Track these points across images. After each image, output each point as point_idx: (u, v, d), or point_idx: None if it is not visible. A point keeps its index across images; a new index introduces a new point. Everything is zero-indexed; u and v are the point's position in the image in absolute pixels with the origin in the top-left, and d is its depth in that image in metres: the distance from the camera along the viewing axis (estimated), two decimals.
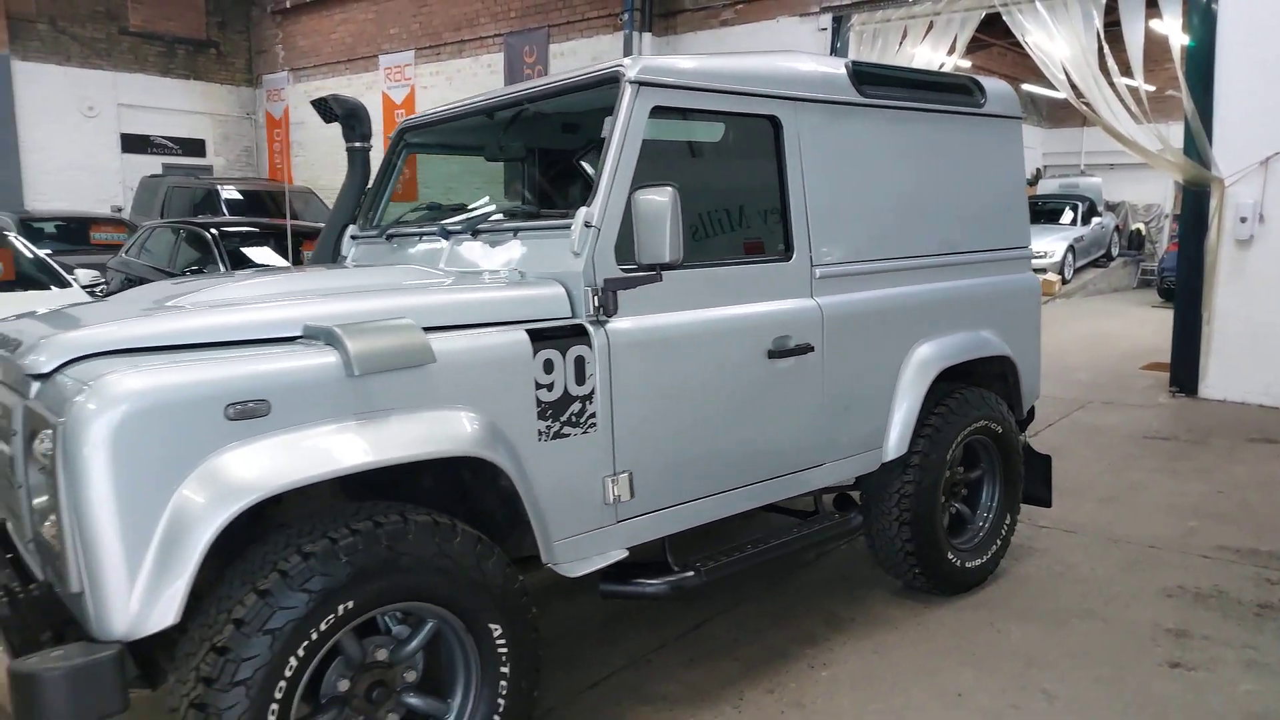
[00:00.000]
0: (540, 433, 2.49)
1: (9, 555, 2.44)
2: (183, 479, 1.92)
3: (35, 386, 2.07)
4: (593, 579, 2.74)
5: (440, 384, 2.29)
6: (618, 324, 2.66)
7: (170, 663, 2.05)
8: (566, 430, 2.54)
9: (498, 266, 2.91)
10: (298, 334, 2.28)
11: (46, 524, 1.91)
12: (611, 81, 2.80)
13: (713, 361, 2.89)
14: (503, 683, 2.32)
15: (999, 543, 3.98)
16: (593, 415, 2.59)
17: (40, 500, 1.98)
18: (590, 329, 2.60)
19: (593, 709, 3.00)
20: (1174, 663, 3.29)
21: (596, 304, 2.62)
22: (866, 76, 3.43)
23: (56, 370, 2.05)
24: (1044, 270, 14.97)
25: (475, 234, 3.08)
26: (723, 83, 2.95)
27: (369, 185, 3.94)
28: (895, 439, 3.50)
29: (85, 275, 7.81)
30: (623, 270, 2.67)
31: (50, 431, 1.85)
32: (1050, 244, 15.83)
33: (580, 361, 2.56)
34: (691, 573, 2.85)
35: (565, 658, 3.31)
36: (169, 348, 2.14)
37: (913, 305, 3.55)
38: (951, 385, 3.75)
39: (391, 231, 3.54)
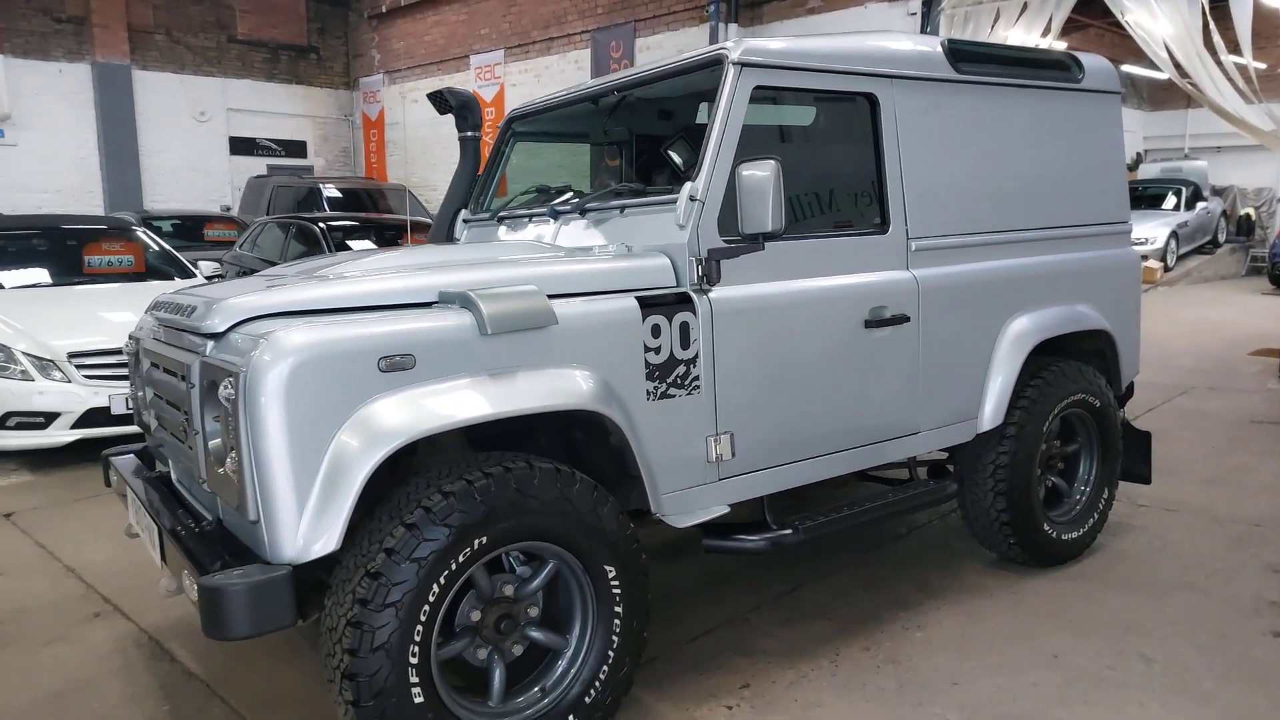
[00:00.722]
0: (649, 393, 2.66)
1: (179, 502, 2.74)
2: (343, 423, 2.16)
3: (210, 345, 2.34)
4: (695, 537, 2.90)
5: (561, 345, 2.48)
6: (720, 292, 2.82)
7: (319, 597, 2.30)
8: (672, 391, 2.71)
9: (605, 242, 3.09)
10: (433, 300, 2.51)
11: (227, 461, 2.17)
12: (715, 64, 2.96)
13: (811, 329, 3.02)
14: (616, 621, 2.50)
15: (1096, 517, 4.00)
16: (696, 378, 2.75)
17: (216, 443, 2.24)
18: (694, 297, 2.76)
19: (695, 659, 3.17)
20: (1277, 632, 3.28)
21: (700, 273, 2.78)
22: (962, 54, 3.50)
23: (229, 331, 2.32)
24: (1145, 257, 14.53)
25: (583, 213, 3.27)
26: (821, 62, 3.07)
27: (479, 172, 4.18)
28: (990, 410, 3.56)
29: (207, 267, 8.34)
30: (725, 241, 2.82)
31: (232, 379, 2.11)
32: (1151, 230, 15.36)
33: (685, 327, 2.72)
34: (789, 530, 2.99)
35: (668, 614, 3.48)
36: (324, 311, 2.39)
37: (1008, 278, 3.60)
38: (1048, 359, 3.79)
39: (503, 214, 3.76)
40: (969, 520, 3.79)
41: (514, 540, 2.33)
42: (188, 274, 7.62)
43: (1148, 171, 19.04)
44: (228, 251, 10.80)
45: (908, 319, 3.25)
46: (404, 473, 2.48)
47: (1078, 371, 3.84)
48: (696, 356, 2.75)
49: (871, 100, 3.23)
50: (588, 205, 3.26)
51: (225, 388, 2.12)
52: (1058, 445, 3.93)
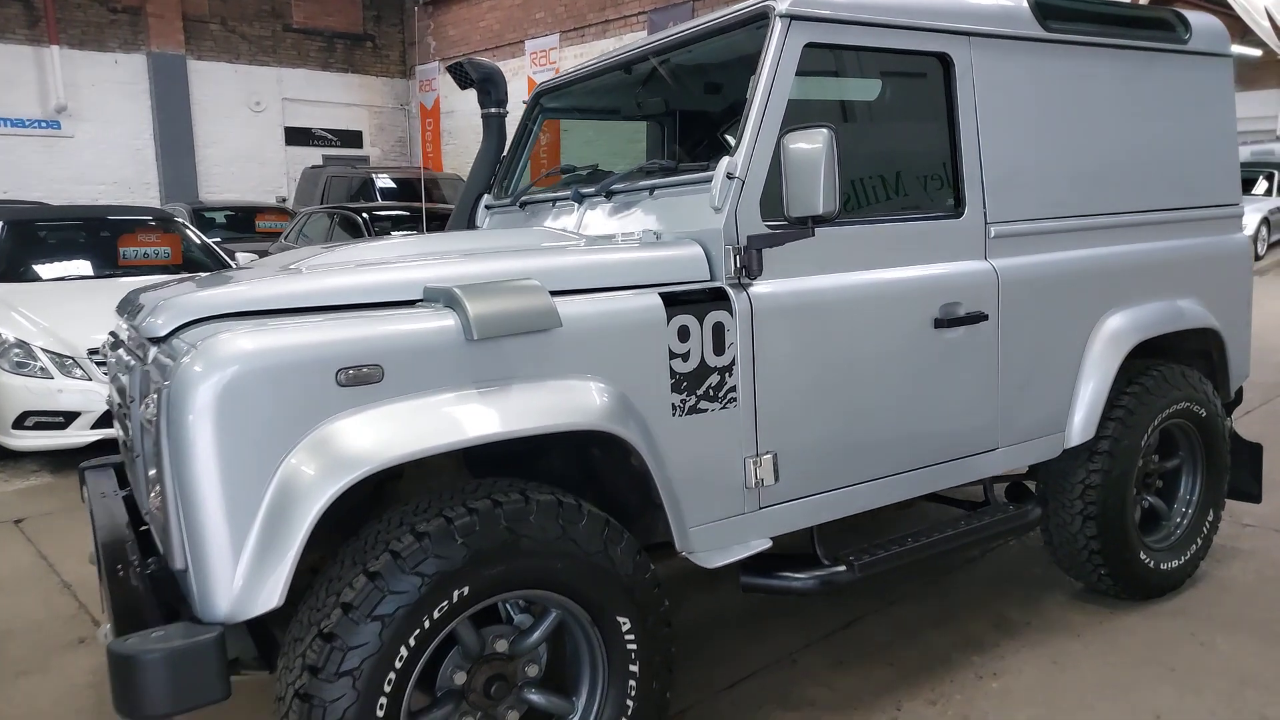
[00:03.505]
0: (675, 407, 2.25)
1: (142, 528, 2.41)
2: (291, 448, 1.78)
3: (153, 351, 1.99)
4: (733, 570, 2.48)
5: (566, 351, 2.08)
6: (762, 287, 2.39)
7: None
8: (704, 405, 2.29)
9: (634, 229, 2.68)
10: (418, 297, 2.13)
11: (153, 495, 1.82)
12: (760, 19, 2.52)
13: (871, 330, 2.57)
14: (631, 682, 2.09)
15: (1199, 542, 3.47)
16: (733, 389, 2.33)
17: (153, 471, 1.89)
18: (731, 292, 2.34)
19: (732, 711, 2.75)
20: None
21: (738, 264, 2.35)
22: (1051, 10, 3.00)
23: (174, 333, 1.96)
24: None
25: (610, 195, 2.86)
26: (885, 15, 2.61)
27: (504, 153, 3.80)
28: (1080, 422, 3.07)
29: (244, 259, 8.13)
30: (768, 226, 2.39)
31: (156, 394, 1.75)
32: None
33: (719, 329, 2.30)
34: (843, 567, 2.55)
35: (702, 653, 3.07)
36: (288, 311, 2.02)
37: (1102, 269, 3.10)
38: (1147, 361, 3.28)
39: (525, 198, 3.38)
40: (1053, 546, 3.30)
41: (505, 590, 1.94)
42: (225, 267, 7.41)
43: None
44: (274, 242, 10.65)
45: (985, 317, 2.78)
46: (389, 499, 2.11)
47: (1181, 376, 3.32)
48: (733, 363, 2.33)
49: (945, 61, 2.76)
50: (613, 187, 2.85)
51: (147, 406, 1.76)
52: (1156, 460, 3.41)
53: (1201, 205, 3.44)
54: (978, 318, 2.76)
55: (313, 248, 2.80)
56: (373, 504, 2.20)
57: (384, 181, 14.05)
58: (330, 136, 18.37)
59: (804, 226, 2.29)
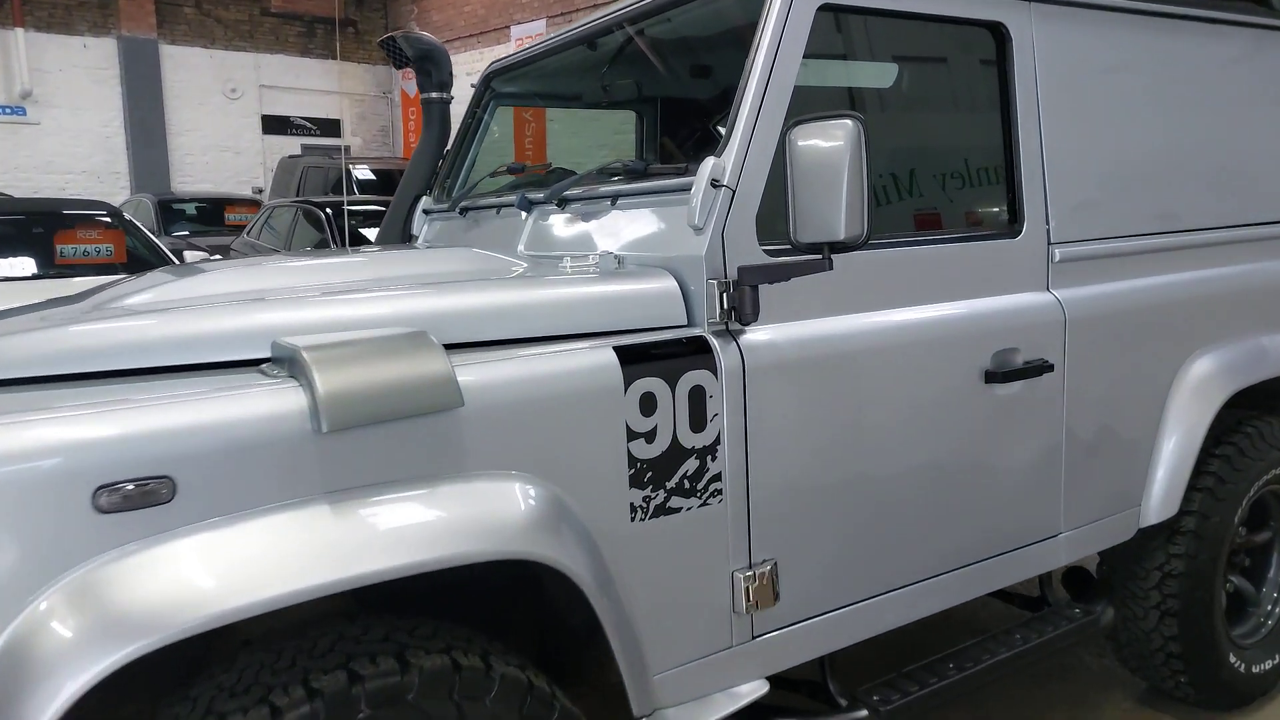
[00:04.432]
0: (635, 508, 1.59)
1: None
2: (15, 615, 1.13)
3: None
4: None
5: (474, 438, 1.42)
6: (758, 335, 1.74)
7: None
8: (676, 502, 1.63)
9: (594, 248, 2.03)
10: (264, 355, 1.47)
11: None
12: None
13: (904, 389, 1.92)
14: None
15: None
16: (717, 478, 1.67)
17: None
18: (716, 344, 1.68)
19: None
20: None
21: (726, 305, 1.70)
22: None
23: None
24: None
25: (562, 204, 2.20)
26: None
27: (448, 147, 3.14)
28: (1161, 494, 2.42)
29: (193, 257, 7.44)
30: (768, 253, 1.74)
31: None
32: None
33: (699, 395, 1.64)
34: (865, 711, 1.90)
35: None
36: (68, 377, 1.38)
37: (1190, 299, 2.45)
38: (1238, 413, 2.63)
39: (465, 204, 2.72)
40: (1120, 644, 2.65)
41: None
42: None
43: None
44: (236, 238, 9.97)
45: (1050, 367, 2.13)
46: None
47: (1278, 432, 2.67)
48: (718, 442, 1.67)
49: (999, 34, 2.11)
50: (565, 194, 2.18)
51: None
52: (1243, 534, 2.76)
53: None
54: (1040, 368, 2.11)
55: (151, 276, 2.13)
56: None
57: (363, 173, 13.32)
58: (309, 125, 17.61)
59: (818, 255, 1.63)
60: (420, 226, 3.01)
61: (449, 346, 1.47)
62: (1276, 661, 2.75)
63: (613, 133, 3.66)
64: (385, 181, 13.31)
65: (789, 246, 1.66)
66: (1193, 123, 2.48)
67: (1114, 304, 2.27)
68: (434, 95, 3.11)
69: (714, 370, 1.66)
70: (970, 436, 2.04)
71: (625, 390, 1.55)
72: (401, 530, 1.33)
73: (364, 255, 2.38)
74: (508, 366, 1.47)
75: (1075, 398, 2.20)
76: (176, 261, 6.86)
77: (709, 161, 1.73)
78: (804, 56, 1.82)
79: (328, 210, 8.21)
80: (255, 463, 1.26)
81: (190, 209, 12.72)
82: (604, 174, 2.14)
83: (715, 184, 1.71)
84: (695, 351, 1.66)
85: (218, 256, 8.59)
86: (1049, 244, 2.17)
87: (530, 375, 1.48)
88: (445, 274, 1.90)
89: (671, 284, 1.74)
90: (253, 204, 12.72)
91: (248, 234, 9.66)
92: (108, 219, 7.04)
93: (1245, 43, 2.58)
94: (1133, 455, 2.39)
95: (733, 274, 1.71)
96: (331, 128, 17.85)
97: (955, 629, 2.30)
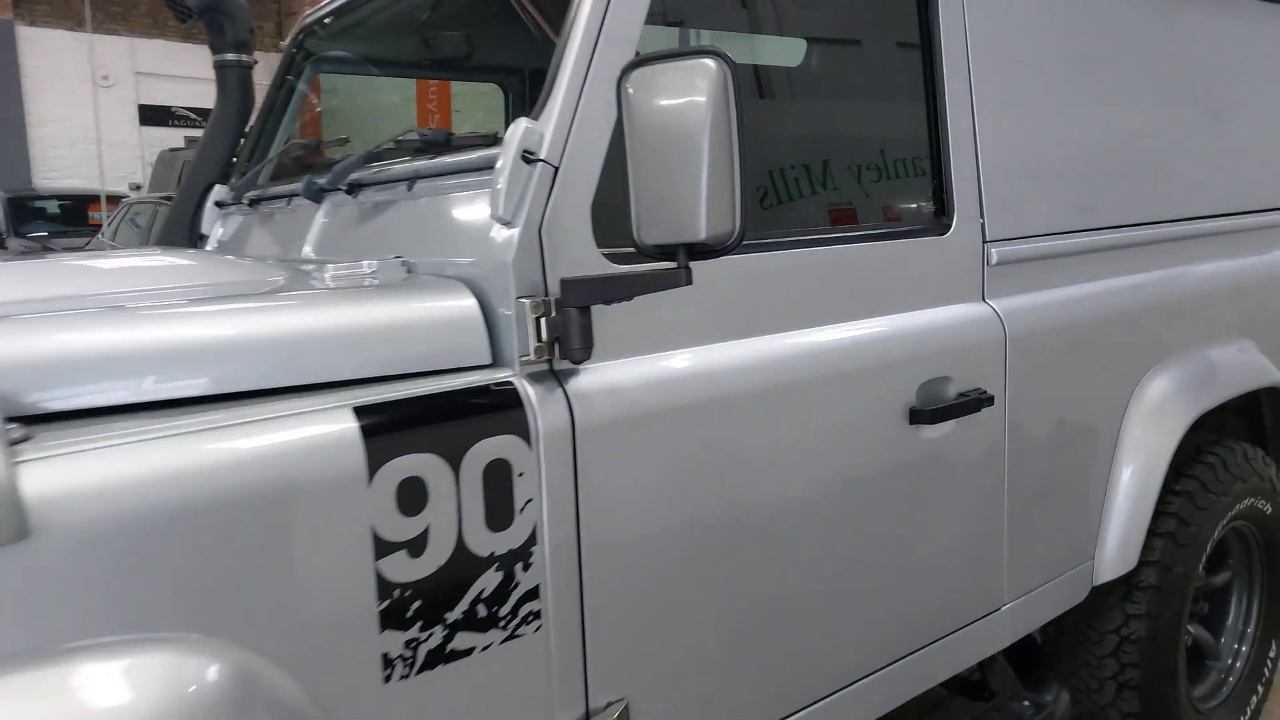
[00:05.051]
0: (391, 661, 1.04)
1: None
2: None
3: None
4: None
5: (56, 590, 0.85)
6: (595, 377, 1.21)
7: None
8: (465, 641, 1.09)
9: (388, 250, 1.47)
10: None
11: None
12: None
13: (802, 444, 1.41)
14: None
15: (1260, 690, 2.44)
16: (533, 595, 1.14)
17: None
18: (530, 393, 1.15)
19: None
20: None
21: (546, 335, 1.16)
22: None
23: None
24: None
25: (353, 190, 1.64)
26: None
27: (250, 125, 2.54)
28: (1117, 544, 1.99)
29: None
30: (612, 258, 1.22)
31: None
32: None
33: (501, 473, 1.11)
34: None
35: None
36: None
37: (1152, 305, 2.03)
38: (1197, 437, 2.22)
39: (252, 194, 2.14)
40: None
41: None
42: None
43: None
44: (91, 238, 9.07)
45: (989, 400, 1.65)
46: None
47: (1244, 460, 2.27)
48: (533, 542, 1.14)
49: None
50: (353, 178, 1.62)
51: None
52: (1202, 577, 2.36)
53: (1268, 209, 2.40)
54: (978, 401, 1.63)
55: None
56: None
57: None
58: (194, 116, 16.46)
59: (673, 263, 1.11)
60: (212, 223, 2.41)
61: (85, 413, 0.91)
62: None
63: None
64: None
65: (632, 248, 1.14)
66: (1156, 96, 2.05)
67: (1064, 315, 1.82)
68: (229, 58, 2.51)
69: (526, 434, 1.13)
70: (892, 498, 1.55)
71: (370, 478, 1.00)
72: None
73: (55, 265, 1.77)
74: (141, 456, 0.90)
75: (1019, 435, 1.74)
76: None
77: (520, 124, 1.19)
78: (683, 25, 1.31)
79: None
80: None
81: (52, 207, 11.67)
82: (402, 149, 1.59)
83: (529, 157, 1.18)
84: (495, 407, 1.12)
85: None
86: (984, 242, 1.70)
87: (183, 469, 0.91)
88: (140, 293, 1.31)
89: (469, 304, 1.20)
90: (118, 201, 11.72)
91: (104, 233, 8.78)
92: None
93: (1217, 8, 2.16)
94: (1084, 500, 1.95)
95: (554, 290, 1.18)
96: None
97: None
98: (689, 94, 1.06)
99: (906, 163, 1.76)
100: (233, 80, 2.51)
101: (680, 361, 1.29)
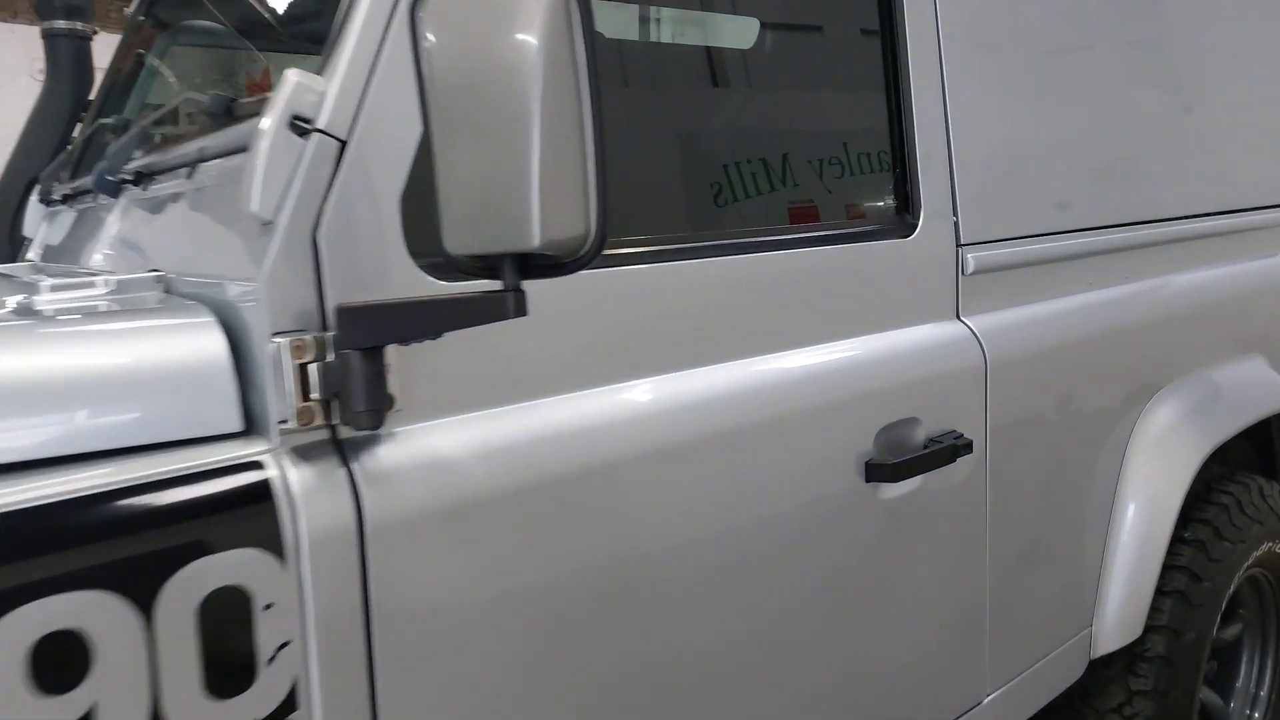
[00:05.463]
0: None
1: None
2: None
3: None
4: None
5: None
6: (401, 449, 0.83)
7: None
8: None
9: (164, 256, 1.09)
10: None
11: None
12: None
13: (715, 521, 1.04)
14: None
15: None
16: None
17: None
18: (287, 479, 0.76)
19: None
20: None
21: (318, 391, 0.78)
22: None
23: None
24: None
25: (140, 181, 1.25)
26: None
27: (87, 108, 2.13)
28: (1119, 609, 1.64)
29: None
30: (428, 269, 0.84)
31: None
32: None
33: (233, 609, 0.72)
34: None
35: None
36: None
37: (1158, 319, 1.69)
38: (1206, 474, 1.88)
39: (65, 190, 1.75)
40: None
41: None
42: None
43: None
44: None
45: (967, 446, 1.29)
46: None
47: (1260, 498, 1.93)
48: (289, 709, 0.75)
49: None
50: (144, 165, 1.24)
51: None
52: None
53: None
54: (952, 450, 1.27)
55: None
56: None
57: None
58: None
59: (500, 282, 0.73)
60: (37, 224, 2.00)
61: None
62: None
63: None
64: None
65: (441, 258, 0.76)
66: (1158, 74, 1.71)
67: (1056, 334, 1.46)
68: (60, 26, 2.10)
69: (277, 544, 0.74)
70: (841, 579, 1.18)
71: None
72: None
73: None
74: None
75: (1004, 488, 1.38)
76: None
77: (289, 78, 0.81)
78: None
79: None
80: None
81: None
82: (194, 124, 1.21)
83: (301, 125, 0.80)
84: (222, 504, 0.73)
85: None
86: (958, 245, 1.34)
87: None
88: None
89: (211, 344, 0.81)
90: None
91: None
92: None
93: None
94: (1080, 559, 1.60)
95: (331, 321, 0.80)
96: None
97: None
98: (512, 29, 0.68)
99: (867, 153, 1.41)
100: (64, 52, 2.10)
101: (537, 418, 0.91)
